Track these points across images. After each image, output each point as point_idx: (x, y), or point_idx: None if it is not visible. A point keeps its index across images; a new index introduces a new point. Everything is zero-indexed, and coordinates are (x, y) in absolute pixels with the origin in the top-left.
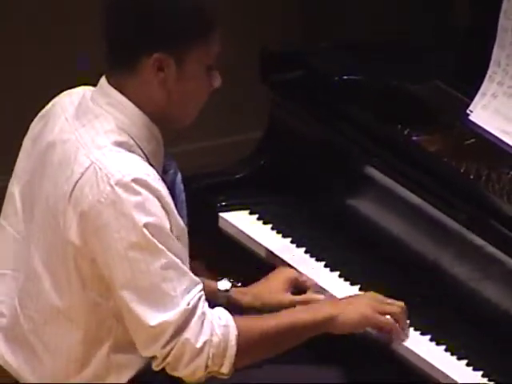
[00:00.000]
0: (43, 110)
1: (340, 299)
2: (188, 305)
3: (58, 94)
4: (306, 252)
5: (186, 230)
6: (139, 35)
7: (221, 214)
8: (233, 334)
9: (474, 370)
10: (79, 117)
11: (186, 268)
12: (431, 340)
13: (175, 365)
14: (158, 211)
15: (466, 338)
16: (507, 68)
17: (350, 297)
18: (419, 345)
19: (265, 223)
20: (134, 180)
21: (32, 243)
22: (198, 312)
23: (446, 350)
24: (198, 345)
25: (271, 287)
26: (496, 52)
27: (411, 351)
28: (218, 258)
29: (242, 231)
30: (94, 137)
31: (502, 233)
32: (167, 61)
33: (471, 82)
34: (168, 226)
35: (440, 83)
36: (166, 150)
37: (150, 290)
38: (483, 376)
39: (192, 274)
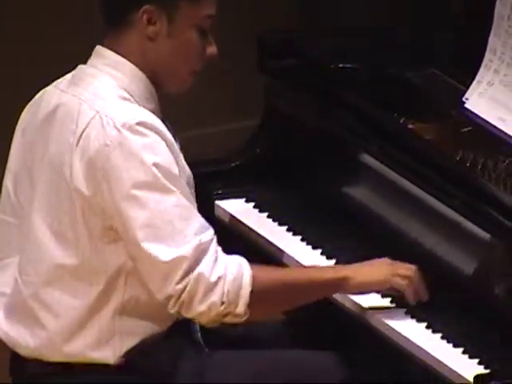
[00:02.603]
0: (31, 101)
1: (360, 264)
2: (200, 241)
3: None
4: (302, 240)
5: (192, 177)
6: None
7: (217, 202)
8: (247, 273)
9: (470, 357)
10: (76, 82)
11: (197, 212)
12: (427, 327)
13: (190, 301)
14: (166, 153)
15: (462, 326)
16: (503, 56)
17: (370, 261)
18: (415, 332)
19: (261, 211)
20: (140, 123)
21: (33, 213)
22: (212, 249)
23: (442, 338)
24: (213, 279)
25: None
26: (492, 40)
27: (407, 338)
28: None
29: (238, 219)
30: (95, 91)
31: (498, 220)
32: (158, 14)
33: (468, 67)
34: (176, 170)
35: (436, 71)
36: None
37: (161, 228)
38: (479, 364)
39: (203, 219)
